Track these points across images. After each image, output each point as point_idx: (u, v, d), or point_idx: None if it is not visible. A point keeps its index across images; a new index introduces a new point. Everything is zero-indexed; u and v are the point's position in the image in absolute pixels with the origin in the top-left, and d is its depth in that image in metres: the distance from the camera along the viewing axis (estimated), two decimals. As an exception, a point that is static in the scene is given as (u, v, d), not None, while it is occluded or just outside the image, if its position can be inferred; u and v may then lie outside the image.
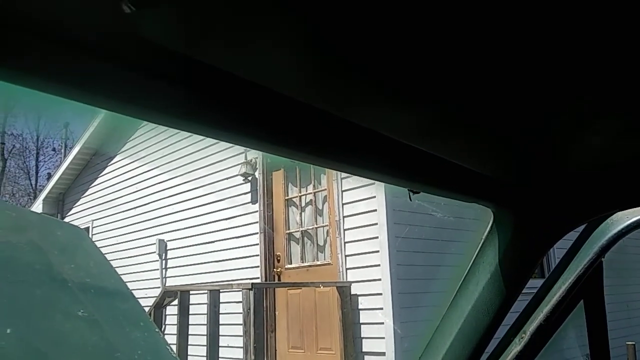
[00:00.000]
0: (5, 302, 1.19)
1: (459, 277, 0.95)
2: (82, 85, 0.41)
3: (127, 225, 9.34)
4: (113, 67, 0.41)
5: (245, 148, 7.06)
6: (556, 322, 0.98)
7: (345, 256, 6.00)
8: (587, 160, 0.76)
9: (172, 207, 8.44)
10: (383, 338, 5.47)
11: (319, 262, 6.45)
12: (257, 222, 7.00)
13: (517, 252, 0.86)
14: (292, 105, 0.52)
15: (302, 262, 6.65)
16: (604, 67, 0.51)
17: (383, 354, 5.46)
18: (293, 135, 0.56)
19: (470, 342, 0.90)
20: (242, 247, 7.15)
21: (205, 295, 5.46)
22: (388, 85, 0.53)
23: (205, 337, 5.39)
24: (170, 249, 8.45)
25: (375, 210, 5.74)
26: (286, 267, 6.77)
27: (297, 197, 6.85)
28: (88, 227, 9.96)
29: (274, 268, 6.86)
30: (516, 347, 0.97)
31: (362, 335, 5.71)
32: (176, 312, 5.70)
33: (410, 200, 0.76)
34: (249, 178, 7.14)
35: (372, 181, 5.68)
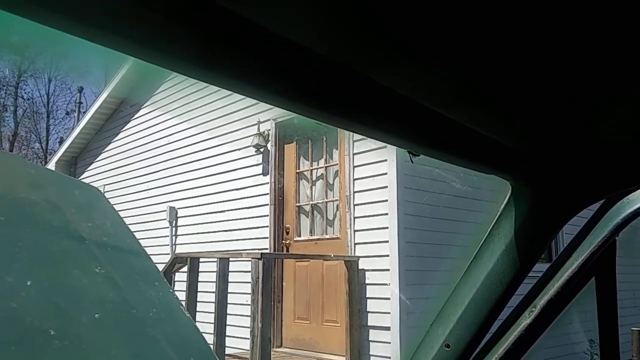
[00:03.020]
0: (25, 255, 1.21)
1: (468, 256, 0.96)
2: (99, 24, 0.40)
3: (139, 192, 9.42)
4: (129, 7, 0.40)
5: (258, 120, 7.07)
6: (566, 297, 0.99)
7: (354, 231, 6.03)
8: (608, 134, 0.76)
9: (183, 175, 8.49)
10: (388, 313, 5.53)
11: (327, 236, 6.49)
12: (267, 194, 7.03)
13: (533, 225, 0.87)
14: (315, 60, 0.52)
15: (311, 235, 6.69)
16: (630, 37, 0.51)
17: (388, 328, 5.52)
18: (313, 92, 0.56)
19: (481, 311, 0.92)
20: (252, 217, 7.19)
21: (215, 263, 5.52)
22: (415, 49, 0.53)
23: (213, 304, 5.46)
24: (181, 217, 8.53)
25: (386, 187, 5.74)
26: (295, 239, 6.82)
27: (308, 170, 6.86)
28: (100, 192, 10.03)
29: (282, 240, 6.91)
30: (526, 320, 0.98)
31: (367, 310, 5.76)
32: (185, 279, 5.78)
33: (412, 162, 0.76)
34: (261, 150, 7.15)
35: (384, 158, 5.69)
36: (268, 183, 7.06)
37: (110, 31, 0.41)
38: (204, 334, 1.41)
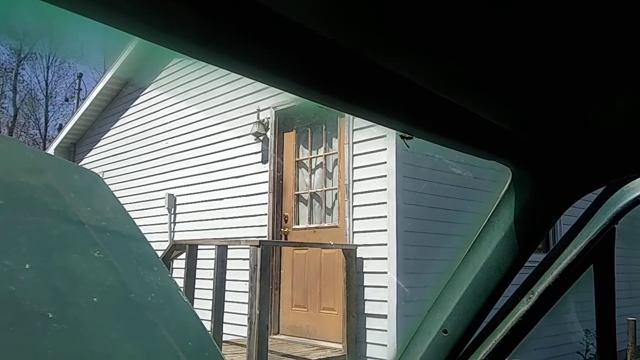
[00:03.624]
0: (24, 239, 1.21)
1: (466, 246, 0.96)
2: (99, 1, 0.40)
3: (138, 179, 9.42)
4: None
5: (257, 108, 7.06)
6: (565, 284, 0.99)
7: (353, 220, 6.04)
8: (609, 121, 0.76)
9: (182, 162, 8.49)
10: (386, 301, 5.55)
11: (326, 225, 6.50)
12: (266, 182, 7.03)
13: (532, 212, 0.87)
14: (321, 44, 0.52)
15: (310, 224, 6.71)
16: (632, 24, 0.51)
17: (385, 316, 5.54)
18: (317, 75, 0.55)
19: (479, 297, 0.92)
20: (250, 205, 7.20)
21: (213, 250, 5.53)
22: (419, 36, 0.53)
23: (211, 291, 5.48)
24: (180, 204, 8.53)
25: (385, 176, 5.75)
26: (293, 227, 6.83)
27: (307, 159, 6.86)
28: (99, 179, 10.02)
29: (281, 228, 6.92)
30: (523, 306, 0.98)
31: (365, 298, 5.79)
32: (183, 266, 5.79)
33: (408, 146, 0.75)
34: (261, 138, 7.14)
35: (384, 147, 5.68)
36: (267, 171, 7.06)
37: (109, 8, 0.41)
38: (201, 320, 1.41)
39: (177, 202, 8.59)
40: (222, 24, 0.46)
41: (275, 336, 6.48)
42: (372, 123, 0.68)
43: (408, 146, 0.74)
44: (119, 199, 1.63)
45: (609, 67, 0.60)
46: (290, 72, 0.53)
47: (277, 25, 0.48)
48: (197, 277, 5.82)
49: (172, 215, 8.65)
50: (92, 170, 1.82)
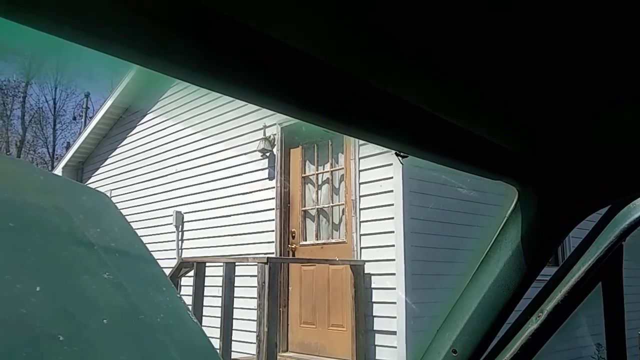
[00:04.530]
0: (34, 261, 1.22)
1: (475, 261, 0.96)
2: (98, 32, 0.41)
3: (145, 196, 9.45)
4: (129, 16, 0.41)
5: (264, 124, 7.09)
6: (573, 302, 0.99)
7: (360, 235, 6.03)
8: (614, 140, 0.76)
9: (189, 179, 8.51)
10: (395, 317, 5.51)
11: (333, 240, 6.49)
12: (273, 198, 7.04)
13: (539, 231, 0.87)
14: (321, 69, 0.53)
15: (317, 240, 6.69)
16: (636, 45, 0.51)
17: (394, 332, 5.51)
18: (318, 100, 0.56)
19: (488, 317, 0.92)
20: (258, 222, 7.20)
21: (221, 267, 5.52)
22: (422, 60, 0.54)
23: (219, 308, 5.47)
24: (187, 221, 8.54)
25: (392, 191, 5.74)
26: (301, 243, 6.82)
27: (314, 174, 6.86)
28: (106, 197, 10.06)
29: (288, 244, 6.91)
30: (533, 325, 0.98)
31: (373, 314, 5.75)
32: (191, 284, 5.78)
33: (402, 165, 0.75)
34: (267, 154, 7.16)
35: (390, 162, 5.68)
36: (274, 187, 7.07)
37: (110, 40, 0.42)
38: (210, 339, 1.41)
39: (184, 220, 8.60)
40: (220, 51, 0.46)
41: (284, 354, 6.44)
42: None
43: (402, 164, 0.74)
44: (127, 217, 1.64)
45: (613, 84, 0.60)
46: (291, 97, 0.54)
47: (276, 52, 0.49)
48: (205, 294, 5.81)
49: (180, 233, 8.66)
50: (100, 189, 1.84)
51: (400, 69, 0.55)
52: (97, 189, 1.86)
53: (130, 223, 1.61)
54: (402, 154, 0.70)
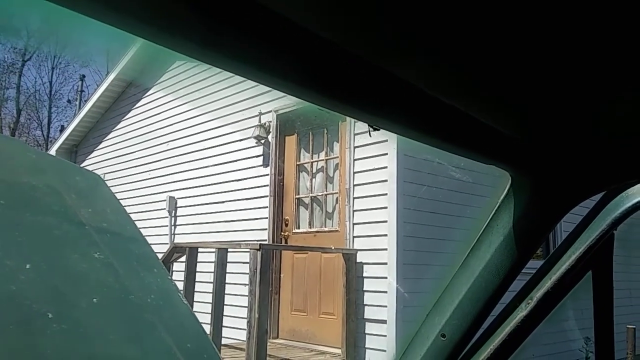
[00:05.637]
0: (25, 239, 1.22)
1: (466, 251, 0.96)
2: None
3: (139, 181, 9.43)
4: None
5: (259, 111, 7.07)
6: (563, 290, 0.99)
7: (353, 224, 6.04)
8: (609, 127, 0.76)
9: (183, 165, 8.50)
10: (385, 306, 5.54)
11: (326, 229, 6.50)
12: (267, 186, 7.03)
13: (532, 217, 0.88)
14: (321, 46, 0.52)
15: (310, 228, 6.71)
16: (632, 30, 0.51)
17: (384, 321, 5.54)
18: (316, 77, 0.56)
19: (478, 301, 0.92)
20: (251, 208, 7.20)
21: (213, 253, 5.53)
22: (420, 40, 0.53)
23: (210, 294, 5.48)
24: (180, 207, 8.53)
25: (385, 180, 5.75)
26: (294, 231, 6.83)
27: (308, 163, 6.86)
28: (100, 180, 10.05)
29: (281, 232, 6.92)
30: (522, 312, 0.99)
31: (364, 303, 5.78)
32: (183, 269, 5.79)
33: (370, 136, 0.73)
34: (262, 141, 7.15)
35: (385, 152, 5.69)
36: (268, 174, 7.06)
37: (111, 8, 0.41)
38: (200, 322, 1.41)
39: (177, 205, 8.60)
40: (222, 24, 0.46)
41: (274, 340, 6.47)
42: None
43: (370, 135, 0.72)
44: (120, 200, 1.63)
45: (609, 71, 0.60)
46: (290, 73, 0.53)
47: (277, 26, 0.48)
48: (197, 280, 5.82)
49: (173, 218, 8.65)
50: (93, 171, 1.83)
51: (401, 46, 0.55)
52: (90, 170, 1.84)
53: (124, 207, 1.61)
54: (374, 126, 0.69)
